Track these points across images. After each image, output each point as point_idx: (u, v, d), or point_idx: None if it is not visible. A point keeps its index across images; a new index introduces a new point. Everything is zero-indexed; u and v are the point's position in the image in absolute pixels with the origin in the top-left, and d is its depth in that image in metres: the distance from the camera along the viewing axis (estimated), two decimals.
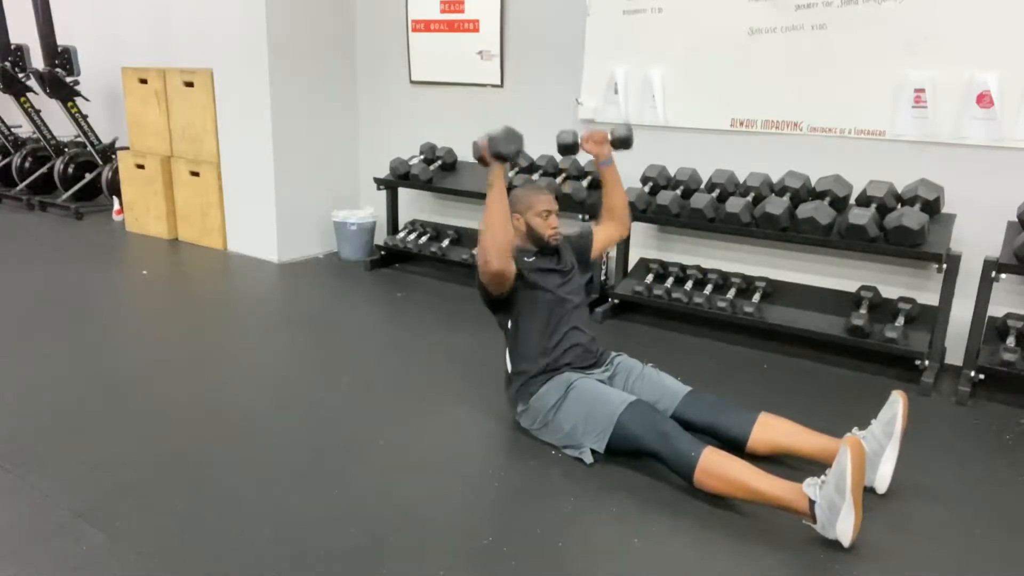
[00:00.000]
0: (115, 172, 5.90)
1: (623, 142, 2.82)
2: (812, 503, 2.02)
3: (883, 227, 3.17)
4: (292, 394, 3.01)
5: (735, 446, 2.39)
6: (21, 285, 4.37)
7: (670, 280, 3.81)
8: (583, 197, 3.93)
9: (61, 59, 6.02)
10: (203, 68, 4.99)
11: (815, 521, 2.02)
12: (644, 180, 3.84)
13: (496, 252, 2.40)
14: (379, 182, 4.76)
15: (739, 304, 3.56)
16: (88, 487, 2.29)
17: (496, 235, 2.40)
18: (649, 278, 3.86)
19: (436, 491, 2.30)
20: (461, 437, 2.69)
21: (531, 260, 2.60)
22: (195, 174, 5.20)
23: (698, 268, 3.82)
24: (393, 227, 4.90)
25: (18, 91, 6.27)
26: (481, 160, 2.48)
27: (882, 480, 2.27)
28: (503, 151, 2.40)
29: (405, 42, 4.82)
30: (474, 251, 4.35)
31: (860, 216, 3.15)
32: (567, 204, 3.84)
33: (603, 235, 2.91)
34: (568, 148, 2.95)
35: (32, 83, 6.25)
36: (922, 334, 3.22)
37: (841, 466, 1.96)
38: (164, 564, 1.95)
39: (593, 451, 2.42)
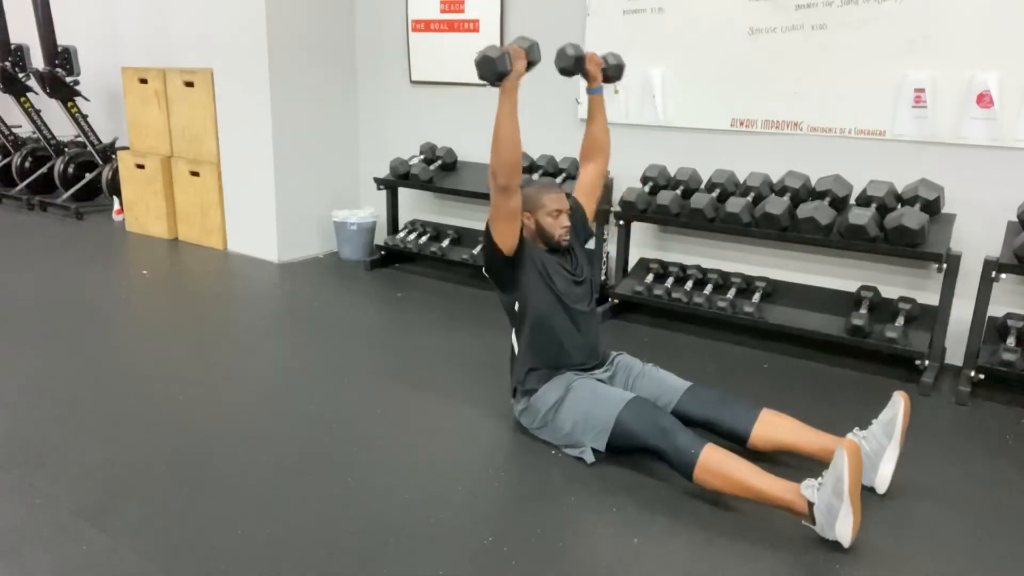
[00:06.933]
0: (115, 172, 5.91)
1: (616, 70, 2.81)
2: (811, 505, 2.02)
3: (883, 227, 3.17)
4: (292, 394, 3.01)
5: (736, 441, 2.40)
6: (21, 285, 4.37)
7: (670, 280, 3.81)
8: None
9: (61, 59, 6.02)
10: (203, 68, 4.99)
11: (814, 523, 2.02)
12: (644, 180, 3.84)
13: (499, 167, 2.36)
14: (379, 182, 4.76)
15: (739, 304, 3.56)
16: (88, 487, 2.29)
17: (499, 148, 2.35)
18: (649, 278, 3.86)
19: (436, 491, 2.30)
20: (461, 437, 2.69)
21: (546, 254, 2.59)
22: (195, 174, 5.20)
23: (698, 268, 3.82)
24: (393, 227, 4.90)
25: (18, 91, 6.27)
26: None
27: (882, 480, 2.27)
28: (484, 76, 2.37)
29: (405, 42, 4.82)
30: (474, 251, 4.35)
31: (860, 216, 3.15)
32: None
33: (588, 180, 2.83)
34: (577, 62, 2.67)
35: (32, 83, 6.25)
36: (922, 334, 3.22)
37: (838, 469, 1.96)
38: (164, 564, 1.95)
39: (594, 450, 2.42)
